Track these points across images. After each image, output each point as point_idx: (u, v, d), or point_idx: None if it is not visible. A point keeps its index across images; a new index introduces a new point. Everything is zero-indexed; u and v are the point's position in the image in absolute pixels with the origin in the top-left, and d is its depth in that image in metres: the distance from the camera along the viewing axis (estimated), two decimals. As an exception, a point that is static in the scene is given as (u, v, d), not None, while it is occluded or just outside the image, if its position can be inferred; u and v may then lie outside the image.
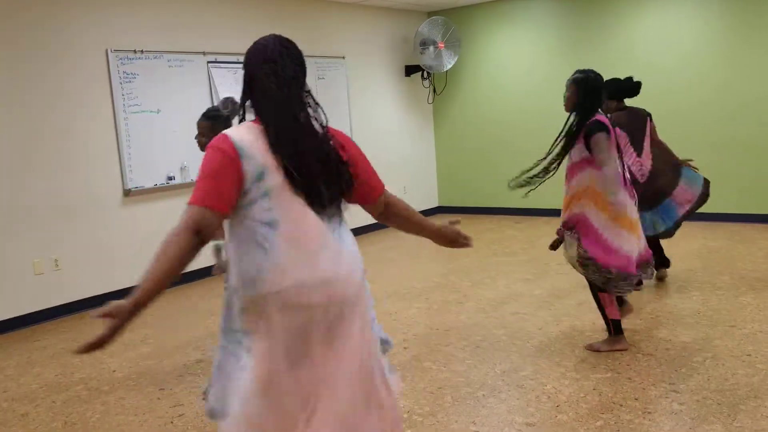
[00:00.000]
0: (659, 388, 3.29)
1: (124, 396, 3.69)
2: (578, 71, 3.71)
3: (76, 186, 5.51)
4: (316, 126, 1.94)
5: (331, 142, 1.94)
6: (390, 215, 2.15)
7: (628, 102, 4.80)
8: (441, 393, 3.39)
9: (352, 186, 1.97)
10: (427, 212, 9.13)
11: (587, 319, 4.35)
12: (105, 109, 5.68)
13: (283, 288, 1.81)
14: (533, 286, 5.29)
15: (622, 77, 4.76)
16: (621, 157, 3.68)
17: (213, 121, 3.57)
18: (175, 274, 1.83)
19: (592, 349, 3.84)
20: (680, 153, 5.04)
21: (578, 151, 3.61)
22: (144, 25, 5.93)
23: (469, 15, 8.76)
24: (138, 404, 3.57)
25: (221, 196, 1.78)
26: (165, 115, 6.07)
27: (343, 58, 7.82)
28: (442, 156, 9.26)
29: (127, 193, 5.84)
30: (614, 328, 3.79)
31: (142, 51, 5.88)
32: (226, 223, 1.89)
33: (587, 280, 3.76)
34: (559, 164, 3.74)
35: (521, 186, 3.77)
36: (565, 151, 3.68)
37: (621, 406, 3.13)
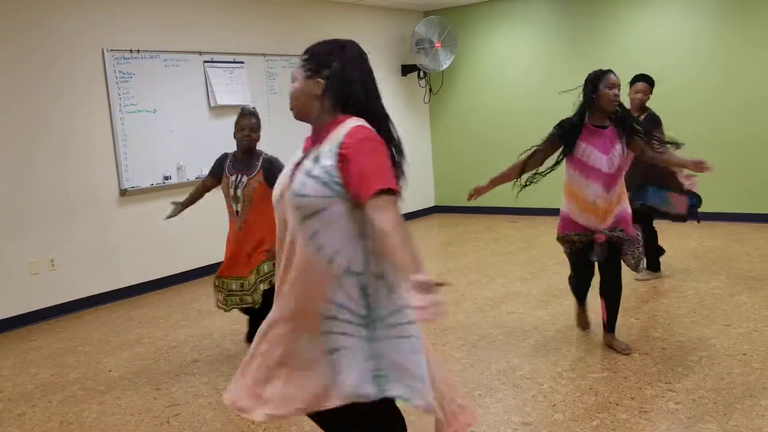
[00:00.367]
0: (655, 387, 3.29)
1: (120, 396, 3.69)
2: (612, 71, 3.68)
3: (72, 186, 5.50)
4: None
5: None
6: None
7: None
8: (437, 392, 3.39)
9: None
10: (424, 212, 9.14)
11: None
12: (101, 108, 5.67)
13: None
14: (530, 286, 5.29)
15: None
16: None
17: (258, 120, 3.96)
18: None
19: (625, 350, 3.81)
20: (679, 153, 5.04)
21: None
22: (140, 25, 5.92)
23: (465, 14, 8.76)
24: (134, 404, 3.56)
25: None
26: (161, 114, 6.06)
27: (340, 57, 7.81)
28: (439, 156, 9.26)
29: (123, 192, 5.83)
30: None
31: (138, 50, 5.87)
32: (349, 210, 1.85)
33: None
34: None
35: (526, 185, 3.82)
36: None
37: (617, 405, 3.14)
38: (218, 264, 6.63)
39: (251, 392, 1.98)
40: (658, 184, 4.87)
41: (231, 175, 4.04)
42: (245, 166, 4.00)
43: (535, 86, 8.25)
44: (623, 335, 4.02)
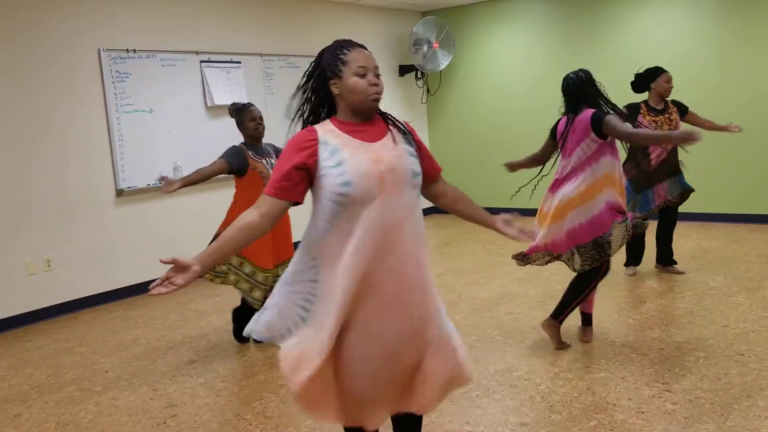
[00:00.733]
0: (652, 387, 3.29)
1: (117, 396, 3.68)
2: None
3: (68, 186, 5.48)
4: None
5: None
6: (445, 206, 2.63)
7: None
8: (435, 393, 3.38)
9: None
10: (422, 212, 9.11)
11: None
12: (97, 108, 5.66)
13: None
14: (528, 287, 5.29)
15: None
16: (561, 153, 3.81)
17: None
18: (234, 251, 2.10)
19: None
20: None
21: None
22: (137, 25, 5.91)
23: (463, 15, 8.76)
24: (131, 405, 3.55)
25: None
26: (158, 114, 6.05)
27: (337, 57, 7.80)
28: (436, 156, 9.09)
29: (119, 193, 5.81)
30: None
31: (134, 50, 5.86)
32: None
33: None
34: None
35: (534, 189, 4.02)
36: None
37: (614, 405, 3.13)
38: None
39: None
40: (647, 185, 5.05)
41: (261, 159, 4.11)
42: (264, 152, 4.15)
43: (533, 86, 8.25)
44: (620, 335, 4.03)
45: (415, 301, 2.10)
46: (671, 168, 5.05)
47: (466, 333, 4.26)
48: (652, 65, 5.14)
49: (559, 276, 5.33)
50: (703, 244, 6.29)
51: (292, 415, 3.27)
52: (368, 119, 2.13)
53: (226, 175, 6.82)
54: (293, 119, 2.21)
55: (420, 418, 2.34)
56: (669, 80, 4.99)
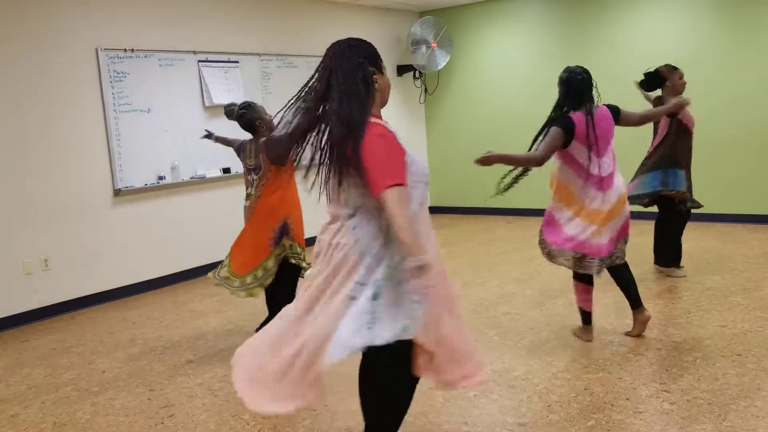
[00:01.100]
0: (650, 387, 3.30)
1: (114, 396, 3.67)
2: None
3: (65, 186, 5.47)
4: None
5: None
6: None
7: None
8: (432, 393, 3.38)
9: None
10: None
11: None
12: (95, 108, 5.65)
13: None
14: (525, 287, 5.29)
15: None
16: (594, 152, 3.73)
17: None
18: None
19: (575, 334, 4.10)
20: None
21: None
22: (134, 24, 5.90)
23: (461, 15, 8.76)
24: (128, 405, 3.54)
25: None
26: (155, 114, 6.04)
27: (335, 57, 7.79)
28: (434, 156, 9.25)
29: (117, 192, 5.80)
30: (585, 319, 4.05)
31: (132, 50, 5.85)
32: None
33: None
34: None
35: (507, 189, 3.82)
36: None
37: (612, 405, 3.13)
38: (214, 264, 6.63)
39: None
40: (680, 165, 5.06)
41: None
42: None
43: (531, 86, 8.25)
44: (618, 335, 4.04)
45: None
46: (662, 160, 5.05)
47: (463, 333, 4.26)
48: (649, 65, 5.17)
49: (556, 276, 5.34)
50: (700, 244, 6.30)
51: (289, 416, 3.26)
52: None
53: (221, 175, 6.85)
54: (357, 112, 2.17)
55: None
56: (682, 76, 5.06)
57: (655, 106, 5.02)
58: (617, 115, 3.81)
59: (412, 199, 2.23)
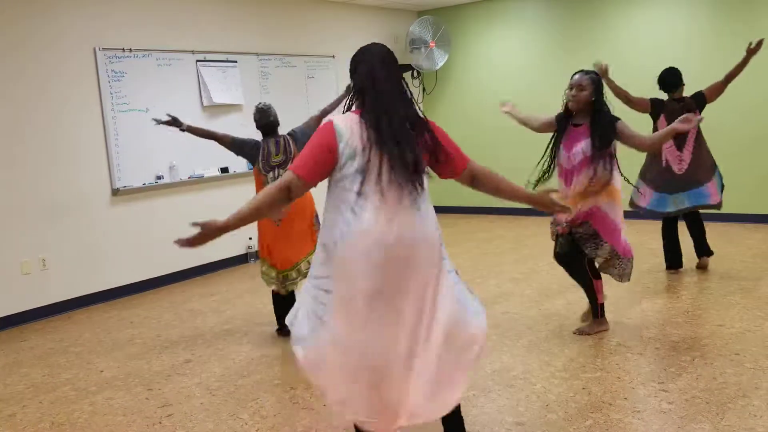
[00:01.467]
0: (648, 387, 3.30)
1: (112, 396, 3.67)
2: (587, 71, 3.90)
3: (63, 185, 5.47)
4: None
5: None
6: (479, 185, 2.56)
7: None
8: (431, 393, 3.38)
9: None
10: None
11: (576, 318, 4.36)
12: (93, 107, 5.64)
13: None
14: (523, 286, 5.29)
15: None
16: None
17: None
18: (259, 214, 2.26)
19: (581, 333, 4.07)
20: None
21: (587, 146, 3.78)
22: (132, 24, 5.89)
23: (459, 14, 8.76)
24: (126, 404, 3.54)
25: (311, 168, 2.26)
26: (153, 113, 6.01)
27: (333, 57, 7.80)
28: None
29: (115, 192, 5.80)
30: (600, 312, 4.08)
31: (130, 49, 5.84)
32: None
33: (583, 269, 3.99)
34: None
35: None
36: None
37: (610, 405, 3.14)
38: (211, 264, 6.63)
39: None
40: (694, 183, 5.07)
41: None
42: None
43: (529, 85, 8.26)
44: (616, 335, 4.04)
45: None
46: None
47: (462, 332, 4.26)
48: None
49: (554, 276, 5.34)
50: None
51: (287, 415, 3.26)
52: None
53: (219, 174, 6.84)
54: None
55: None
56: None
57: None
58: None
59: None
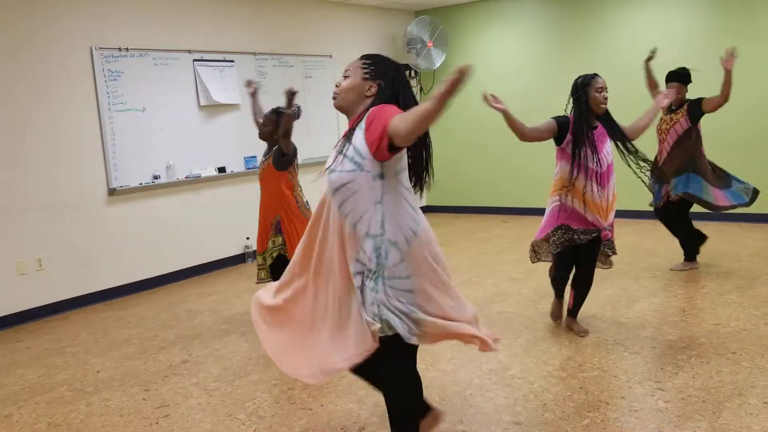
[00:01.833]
0: (645, 386, 3.30)
1: (109, 397, 3.66)
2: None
3: (60, 185, 5.45)
4: None
5: None
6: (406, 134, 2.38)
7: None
8: (428, 392, 3.38)
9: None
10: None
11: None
12: (90, 107, 5.63)
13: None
14: (521, 286, 5.30)
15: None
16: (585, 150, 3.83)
17: (279, 116, 4.31)
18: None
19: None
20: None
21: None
22: (129, 23, 5.88)
23: (456, 14, 8.77)
24: (123, 405, 3.54)
25: None
26: (150, 113, 6.03)
27: (330, 56, 7.80)
28: (430, 155, 9.25)
29: (111, 192, 5.79)
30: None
31: (127, 49, 5.83)
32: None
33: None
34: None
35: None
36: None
37: (607, 404, 3.14)
38: (208, 264, 6.62)
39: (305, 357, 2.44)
40: (697, 171, 5.17)
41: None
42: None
43: (526, 85, 8.26)
44: (613, 334, 4.04)
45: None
46: (679, 167, 5.19)
47: (459, 332, 4.26)
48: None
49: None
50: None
51: (285, 415, 3.26)
52: (348, 117, 2.42)
53: (216, 174, 6.83)
54: None
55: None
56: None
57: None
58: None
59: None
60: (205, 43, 6.45)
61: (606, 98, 3.83)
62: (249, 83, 4.85)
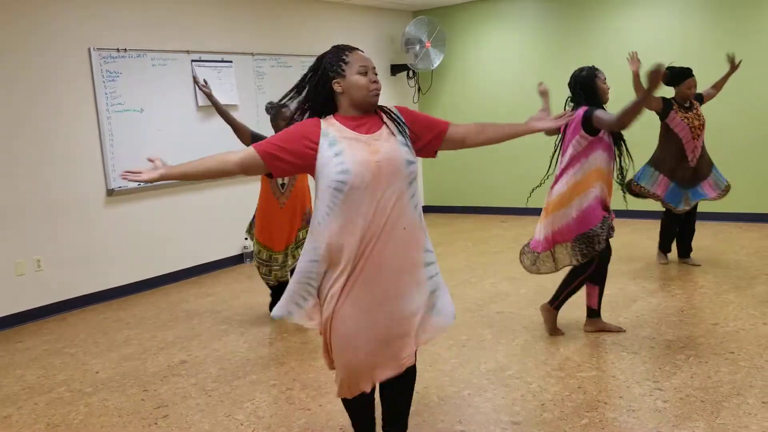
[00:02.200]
0: (643, 386, 3.31)
1: (108, 397, 3.66)
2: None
3: (58, 186, 5.45)
4: None
5: None
6: (474, 142, 2.50)
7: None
8: (427, 392, 3.39)
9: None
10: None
11: (572, 318, 4.36)
12: (88, 108, 5.63)
13: None
14: (519, 286, 5.30)
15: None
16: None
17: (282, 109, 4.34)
18: (201, 176, 2.33)
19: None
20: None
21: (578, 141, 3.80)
22: (127, 24, 5.88)
23: (454, 14, 8.77)
24: (121, 405, 3.54)
25: None
26: (148, 114, 6.02)
27: (329, 57, 7.79)
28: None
29: (110, 193, 5.78)
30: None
31: (125, 49, 5.83)
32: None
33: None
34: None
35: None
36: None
37: (606, 404, 3.15)
38: (207, 264, 6.62)
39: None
40: (694, 181, 5.28)
41: None
42: None
43: (524, 85, 8.26)
44: (612, 334, 4.05)
45: (401, 292, 2.37)
46: (708, 162, 5.34)
47: (457, 332, 4.27)
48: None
49: (550, 275, 5.33)
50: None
51: (284, 416, 3.26)
52: (367, 113, 2.38)
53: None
54: (293, 116, 2.45)
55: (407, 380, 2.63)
56: (690, 87, 5.23)
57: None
58: (588, 120, 3.72)
59: (320, 201, 2.32)
60: (203, 44, 6.45)
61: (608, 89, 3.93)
62: (204, 82, 4.92)
